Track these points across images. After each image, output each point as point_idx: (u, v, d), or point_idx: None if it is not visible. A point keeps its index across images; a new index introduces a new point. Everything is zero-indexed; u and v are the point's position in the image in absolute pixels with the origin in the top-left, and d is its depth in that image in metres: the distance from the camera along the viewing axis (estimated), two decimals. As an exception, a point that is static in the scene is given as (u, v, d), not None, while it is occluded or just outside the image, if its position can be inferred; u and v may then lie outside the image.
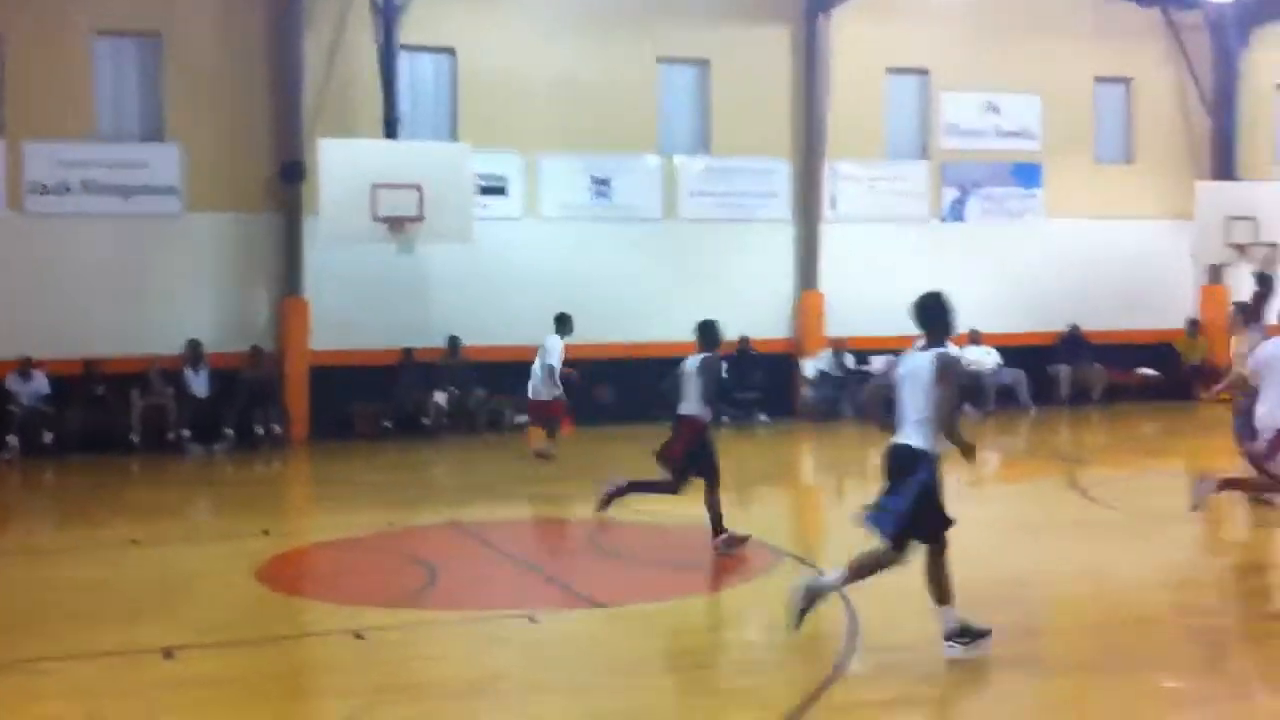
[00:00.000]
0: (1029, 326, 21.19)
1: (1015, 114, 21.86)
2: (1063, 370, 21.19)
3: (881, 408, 7.71)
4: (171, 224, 18.27)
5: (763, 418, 19.76)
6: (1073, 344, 21.34)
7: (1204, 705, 6.77)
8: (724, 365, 11.12)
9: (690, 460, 10.41)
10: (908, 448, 7.21)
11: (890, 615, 8.24)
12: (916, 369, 7.33)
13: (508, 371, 18.73)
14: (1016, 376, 20.52)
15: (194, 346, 18.06)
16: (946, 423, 7.21)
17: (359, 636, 7.85)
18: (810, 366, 20.31)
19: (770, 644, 8.18)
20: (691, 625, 8.40)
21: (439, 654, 7.72)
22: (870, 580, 7.38)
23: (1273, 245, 20.54)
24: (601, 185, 19.90)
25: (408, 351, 18.80)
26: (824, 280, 20.66)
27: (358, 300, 18.66)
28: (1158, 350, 21.75)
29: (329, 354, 18.50)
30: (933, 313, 7.52)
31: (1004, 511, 12.86)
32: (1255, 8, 21.43)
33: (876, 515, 7.24)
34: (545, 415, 15.27)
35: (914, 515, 7.13)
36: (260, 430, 17.99)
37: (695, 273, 19.93)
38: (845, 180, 20.91)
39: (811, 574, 8.12)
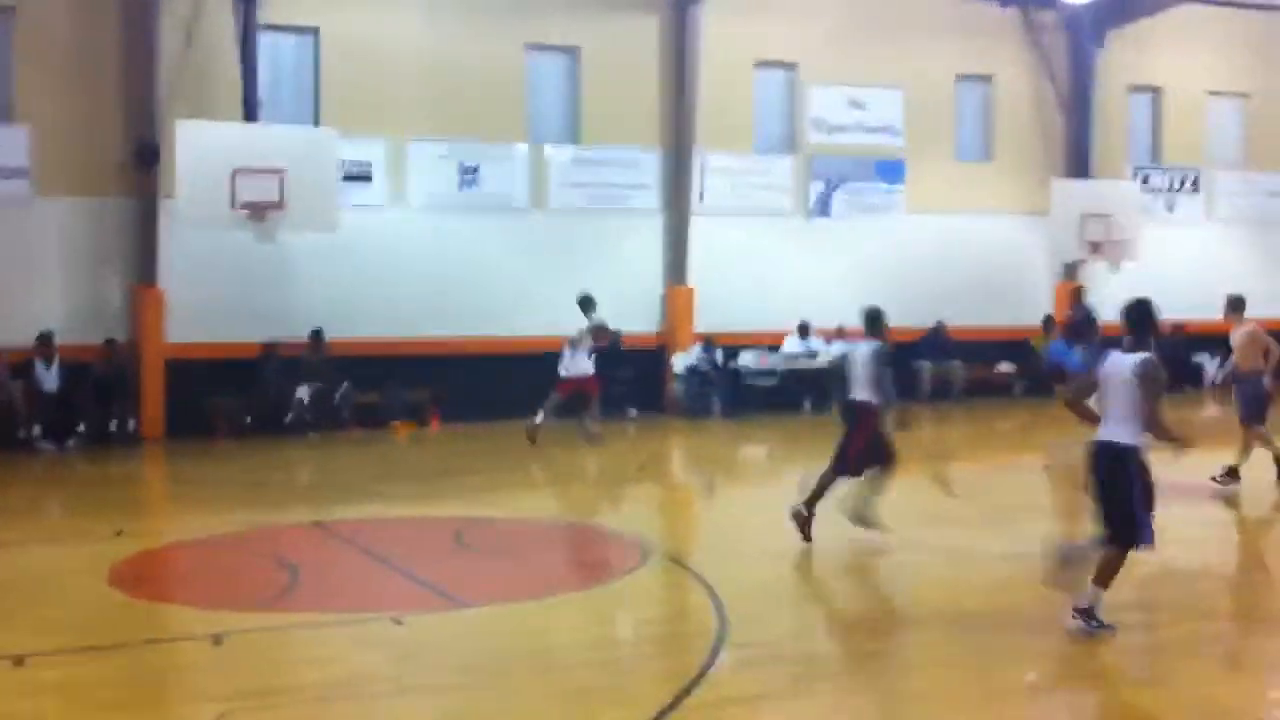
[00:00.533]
0: (892, 322, 21.42)
1: (880, 110, 22.17)
2: (925, 366, 21.57)
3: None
4: (19, 209, 17.54)
5: (631, 412, 19.75)
6: (935, 340, 21.74)
7: (1054, 695, 6.94)
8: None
9: (871, 448, 10.28)
10: (1116, 445, 7.62)
11: (758, 612, 8.28)
12: (1121, 369, 7.65)
13: (374, 365, 18.47)
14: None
15: (44, 339, 17.35)
16: (1152, 420, 7.57)
17: (218, 641, 7.61)
18: (680, 361, 20.34)
19: (639, 641, 8.17)
20: (559, 624, 8.33)
21: (301, 658, 7.53)
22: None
23: (1125, 242, 21.21)
24: (469, 174, 19.66)
25: (269, 344, 18.30)
26: (694, 274, 20.71)
27: (216, 290, 18.12)
28: (1015, 346, 22.29)
29: (186, 346, 17.94)
30: (1140, 316, 7.79)
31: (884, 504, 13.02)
32: (1110, 10, 22.08)
33: (1138, 534, 7.62)
34: (579, 392, 16.51)
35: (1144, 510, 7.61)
36: (114, 426, 17.39)
37: (564, 264, 19.83)
38: (714, 173, 20.99)
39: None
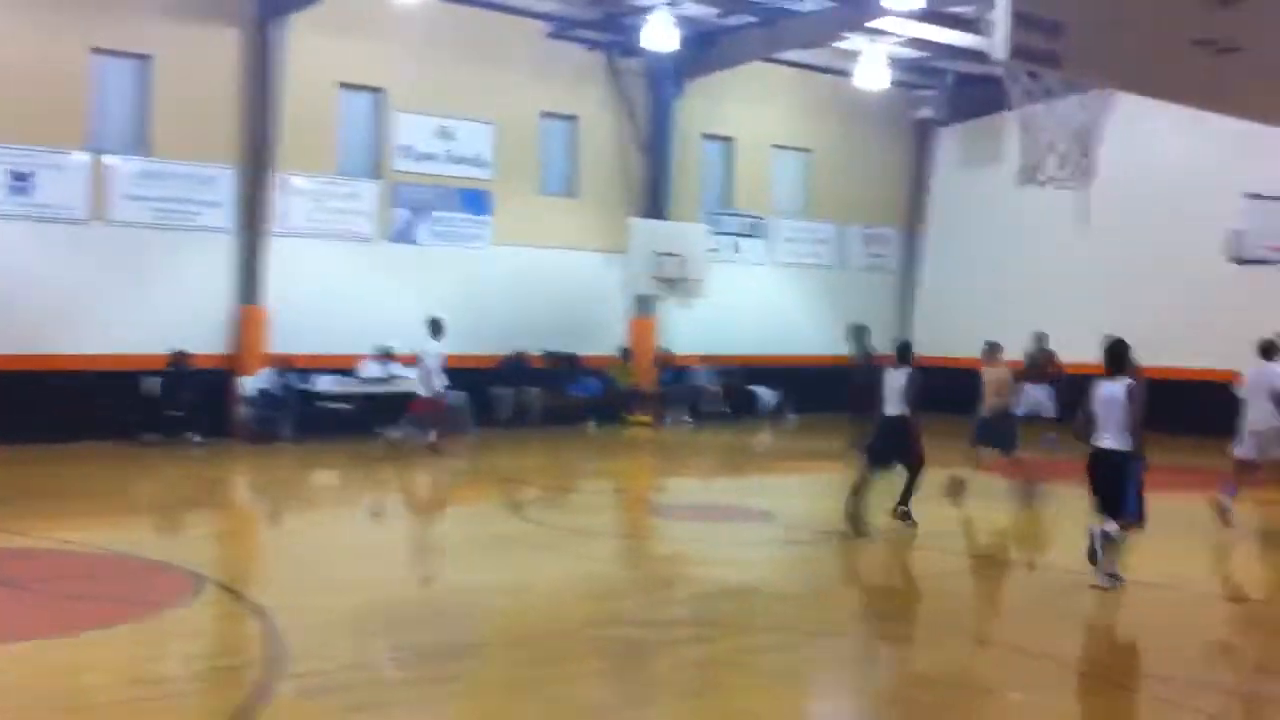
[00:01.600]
0: (475, 349, 21.53)
1: (468, 141, 22.23)
2: (505, 393, 21.76)
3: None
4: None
5: (195, 438, 18.65)
6: (516, 368, 21.99)
7: (614, 713, 7.04)
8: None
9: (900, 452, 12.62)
10: (1116, 451, 9.97)
11: (318, 642, 7.97)
12: (1114, 394, 9.97)
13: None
14: (459, 399, 20.74)
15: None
16: (1137, 429, 9.98)
17: None
18: (250, 384, 19.48)
19: (186, 678, 7.65)
20: (95, 662, 7.65)
21: None
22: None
23: (696, 280, 22.28)
24: (21, 181, 18.08)
25: None
26: (270, 295, 19.93)
27: None
28: (595, 374, 22.90)
29: None
30: (1119, 355, 10.18)
31: (444, 532, 12.93)
32: (688, 61, 23.18)
33: (1125, 512, 10.08)
34: (431, 414, 17.92)
35: (1139, 498, 10.31)
36: None
37: (124, 281, 18.58)
38: (294, 194, 20.33)
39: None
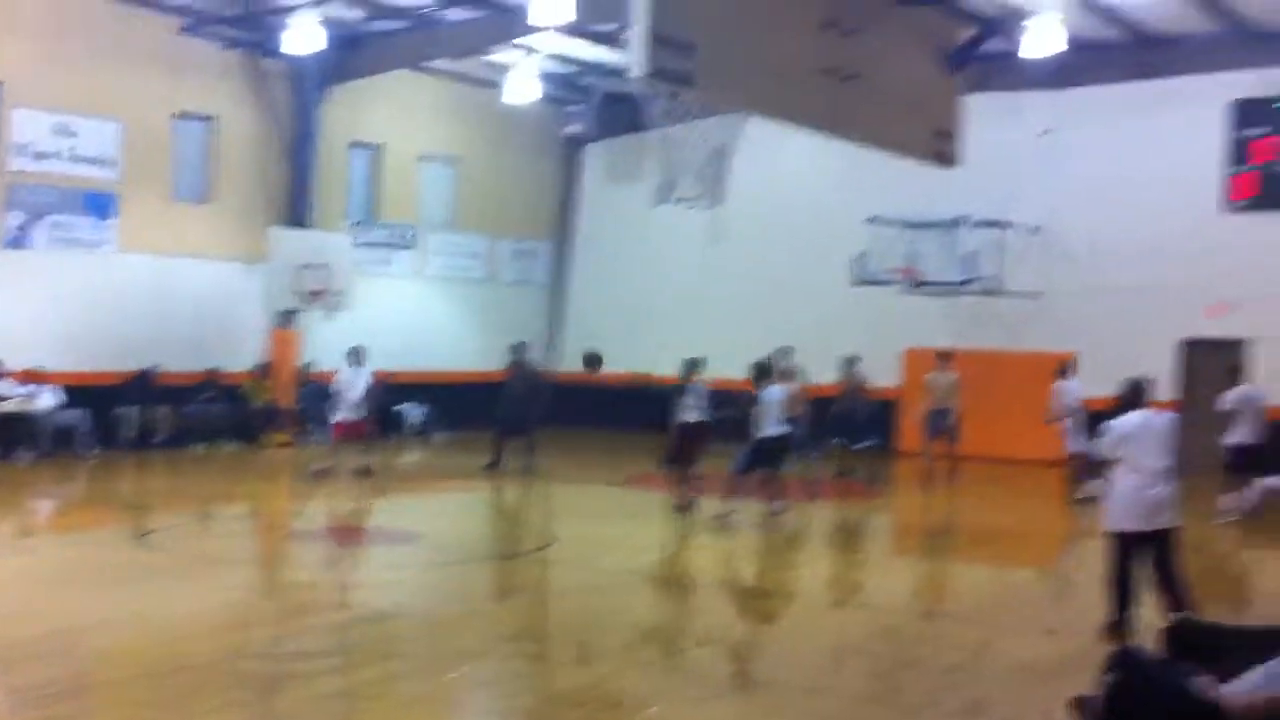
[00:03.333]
0: (98, 365, 20.09)
1: (93, 140, 20.69)
2: (130, 412, 20.34)
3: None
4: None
5: None
6: (143, 385, 20.57)
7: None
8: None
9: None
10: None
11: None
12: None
13: None
14: (78, 417, 19.28)
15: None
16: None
17: None
18: None
19: None
20: None
21: None
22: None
23: (341, 293, 21.63)
24: None
25: None
26: None
27: None
28: (229, 391, 21.77)
29: None
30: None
31: (58, 562, 11.90)
32: (333, 66, 22.50)
33: None
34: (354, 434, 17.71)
35: None
36: None
37: None
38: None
39: None
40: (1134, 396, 9.58)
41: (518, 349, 19.76)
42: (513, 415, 18.79)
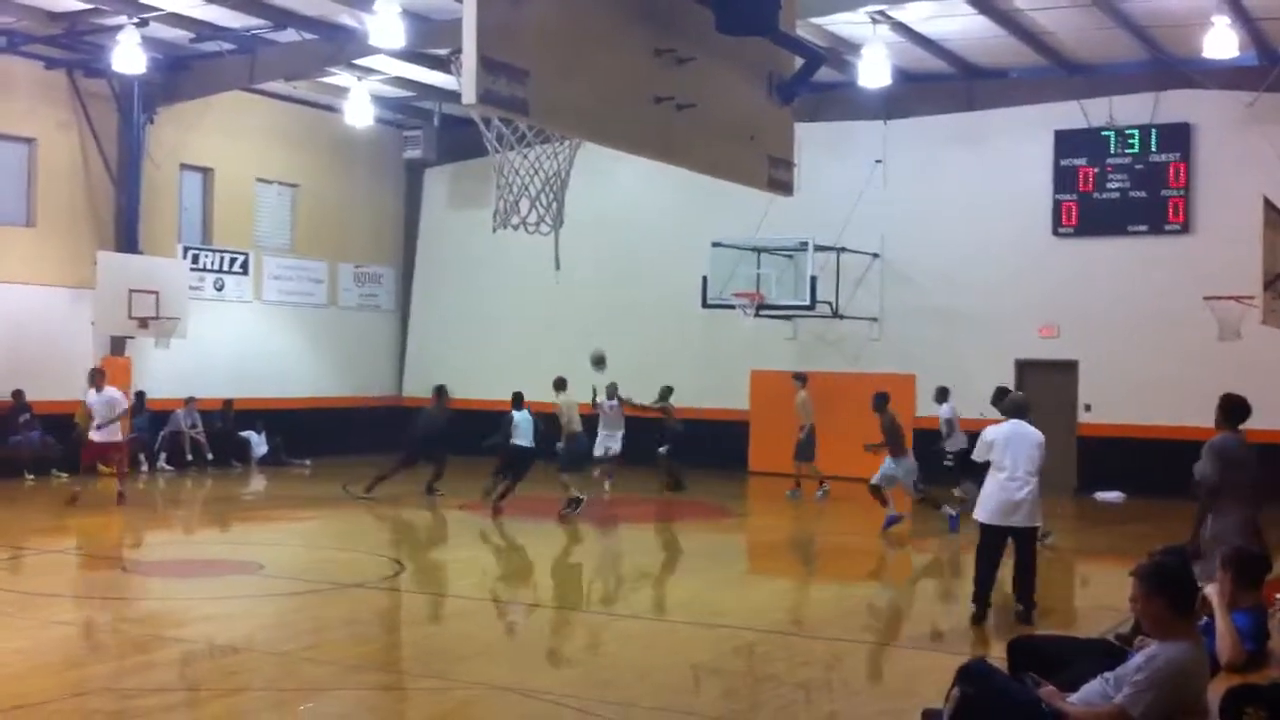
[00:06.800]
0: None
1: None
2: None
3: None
4: None
5: None
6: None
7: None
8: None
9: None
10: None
11: None
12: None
13: None
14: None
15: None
16: None
17: None
18: None
19: None
20: None
21: None
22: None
23: (174, 319, 20.96)
24: None
25: None
26: None
27: None
28: (57, 420, 20.85)
29: None
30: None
31: None
32: (161, 87, 21.88)
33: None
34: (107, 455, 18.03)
35: None
36: None
37: None
38: None
39: None
40: (1011, 408, 10.84)
41: (439, 387, 20.01)
42: (429, 441, 19.07)
